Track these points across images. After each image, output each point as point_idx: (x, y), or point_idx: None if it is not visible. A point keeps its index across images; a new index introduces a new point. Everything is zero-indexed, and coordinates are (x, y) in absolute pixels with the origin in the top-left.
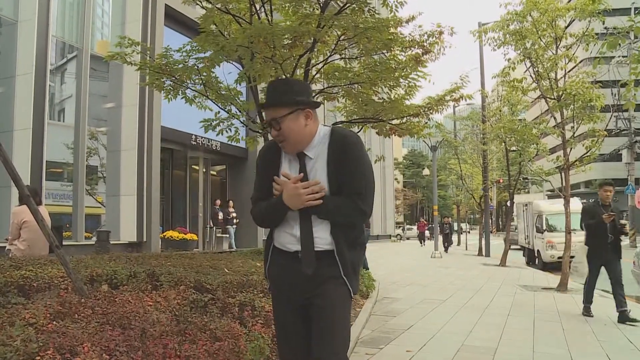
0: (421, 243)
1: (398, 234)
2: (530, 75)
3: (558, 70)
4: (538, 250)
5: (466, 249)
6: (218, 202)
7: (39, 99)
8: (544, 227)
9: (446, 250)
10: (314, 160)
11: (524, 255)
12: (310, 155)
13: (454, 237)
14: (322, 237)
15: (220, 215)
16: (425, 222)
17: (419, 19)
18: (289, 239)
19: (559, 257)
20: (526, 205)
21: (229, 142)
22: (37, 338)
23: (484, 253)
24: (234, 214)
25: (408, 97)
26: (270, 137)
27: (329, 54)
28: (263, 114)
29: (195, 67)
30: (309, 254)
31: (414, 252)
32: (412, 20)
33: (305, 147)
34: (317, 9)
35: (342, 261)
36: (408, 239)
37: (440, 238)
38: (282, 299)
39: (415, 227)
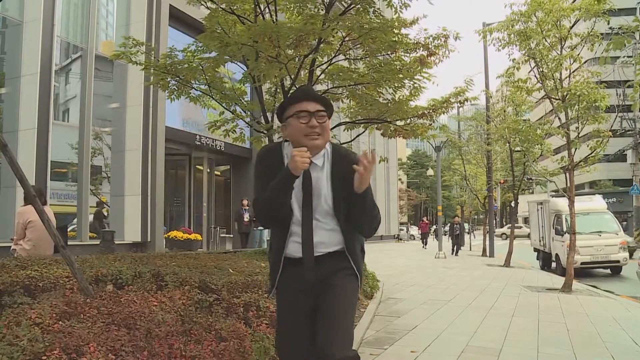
0: (423, 244)
1: (402, 230)
2: (535, 76)
3: (563, 71)
4: (557, 255)
5: (470, 250)
6: (245, 202)
7: (44, 99)
8: (565, 229)
9: (456, 253)
10: (319, 168)
11: (537, 259)
12: (317, 163)
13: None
14: (329, 240)
15: (246, 217)
16: (429, 222)
17: (423, 22)
18: (297, 247)
19: (582, 263)
20: (541, 203)
21: (233, 142)
22: (43, 338)
23: (487, 253)
24: None
25: (412, 98)
26: (274, 137)
27: (333, 55)
28: (288, 108)
29: (200, 67)
30: (309, 258)
31: (418, 252)
32: (416, 23)
33: (315, 153)
34: (322, 10)
35: (353, 258)
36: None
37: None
38: (291, 307)
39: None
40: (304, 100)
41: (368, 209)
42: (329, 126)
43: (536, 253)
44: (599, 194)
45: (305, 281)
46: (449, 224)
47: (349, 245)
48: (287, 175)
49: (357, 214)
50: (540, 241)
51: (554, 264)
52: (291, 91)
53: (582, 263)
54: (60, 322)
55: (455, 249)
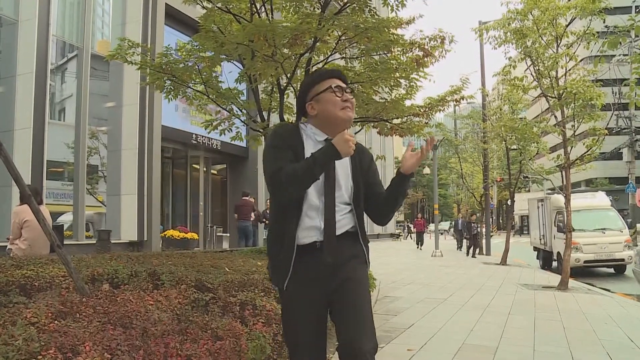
0: (418, 245)
1: (400, 226)
2: (531, 74)
3: (559, 69)
4: (558, 253)
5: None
6: (251, 200)
7: (40, 98)
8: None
9: (474, 254)
10: None
11: (537, 258)
12: None
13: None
14: (343, 220)
15: (253, 216)
16: (424, 220)
17: (420, 22)
18: (306, 232)
19: (586, 261)
20: (542, 200)
21: (230, 141)
22: (38, 337)
23: (484, 252)
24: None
25: (409, 96)
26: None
27: (329, 54)
28: (316, 85)
29: (196, 66)
30: (331, 241)
31: (414, 251)
32: (412, 22)
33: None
34: (318, 9)
35: (364, 240)
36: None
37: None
38: (305, 299)
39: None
40: (332, 77)
41: (405, 192)
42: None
43: (536, 252)
44: (594, 191)
45: (319, 269)
46: (462, 223)
47: (361, 228)
48: (331, 155)
49: (393, 198)
50: (540, 239)
51: (554, 263)
52: (287, 90)
53: (585, 262)
54: (56, 322)
55: (471, 250)
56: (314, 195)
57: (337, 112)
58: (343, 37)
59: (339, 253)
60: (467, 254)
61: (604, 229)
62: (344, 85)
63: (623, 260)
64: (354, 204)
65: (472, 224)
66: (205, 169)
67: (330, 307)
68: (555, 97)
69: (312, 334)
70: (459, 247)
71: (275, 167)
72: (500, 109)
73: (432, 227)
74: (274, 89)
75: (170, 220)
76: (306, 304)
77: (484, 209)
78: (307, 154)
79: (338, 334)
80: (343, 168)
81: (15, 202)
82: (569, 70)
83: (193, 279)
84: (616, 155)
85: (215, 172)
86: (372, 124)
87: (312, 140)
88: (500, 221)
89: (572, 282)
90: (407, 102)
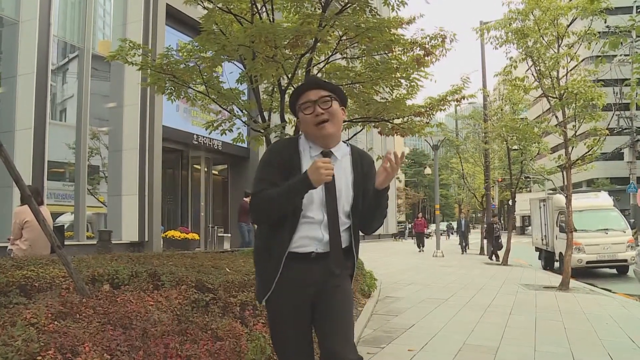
0: (419, 247)
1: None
2: (532, 74)
3: (560, 69)
4: (560, 253)
5: (468, 248)
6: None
7: (41, 98)
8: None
9: (497, 257)
10: (339, 161)
11: (539, 259)
12: (337, 156)
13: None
14: (343, 238)
15: None
16: (425, 220)
17: (421, 21)
18: (307, 241)
19: (588, 262)
20: (544, 200)
21: (231, 142)
22: (38, 338)
23: (485, 252)
24: None
25: (410, 96)
26: (273, 136)
27: (330, 54)
28: (295, 103)
29: (197, 67)
30: (338, 254)
31: (415, 252)
32: (413, 22)
33: (334, 144)
34: (319, 9)
35: (356, 256)
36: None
37: (463, 240)
38: (294, 308)
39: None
40: (306, 90)
41: (383, 205)
42: (338, 111)
43: (538, 253)
44: (597, 192)
45: (310, 278)
46: (465, 223)
47: (355, 243)
48: (305, 185)
49: (372, 210)
50: (542, 240)
51: (557, 264)
52: (288, 91)
53: (587, 262)
54: (55, 322)
55: (493, 252)
56: (315, 206)
57: (312, 130)
58: (344, 38)
59: (339, 266)
60: (497, 258)
61: (607, 229)
62: (314, 98)
63: (626, 260)
64: (353, 216)
65: (495, 226)
66: (206, 169)
67: (314, 310)
68: (556, 98)
69: (300, 339)
70: (463, 250)
71: (257, 188)
72: (502, 109)
73: (432, 227)
74: (275, 90)
75: (171, 221)
76: (294, 312)
77: (485, 209)
78: (304, 167)
79: (321, 345)
80: (345, 176)
81: (16, 202)
82: (570, 70)
83: (193, 279)
84: (617, 155)
85: (217, 172)
86: (373, 124)
87: (308, 154)
88: (502, 221)
89: (573, 283)
90: (408, 102)
